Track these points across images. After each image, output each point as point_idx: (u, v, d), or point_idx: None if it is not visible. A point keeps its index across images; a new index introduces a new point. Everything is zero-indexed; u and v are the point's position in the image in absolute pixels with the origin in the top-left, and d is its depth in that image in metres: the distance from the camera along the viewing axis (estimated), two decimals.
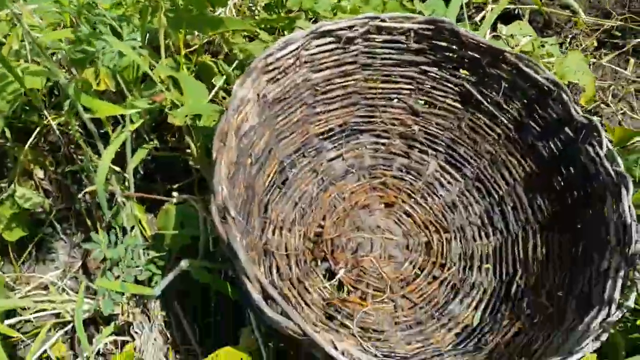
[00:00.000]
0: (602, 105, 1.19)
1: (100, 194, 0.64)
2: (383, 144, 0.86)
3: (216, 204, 0.51)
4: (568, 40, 1.27)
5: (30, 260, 0.83)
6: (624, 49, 1.24)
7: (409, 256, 0.75)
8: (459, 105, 0.84)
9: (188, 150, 0.78)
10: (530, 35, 1.22)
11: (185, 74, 0.72)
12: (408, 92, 0.84)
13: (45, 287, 0.77)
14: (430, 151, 0.85)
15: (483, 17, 1.23)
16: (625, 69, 1.20)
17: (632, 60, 1.20)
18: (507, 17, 1.29)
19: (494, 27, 1.28)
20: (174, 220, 0.68)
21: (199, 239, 0.67)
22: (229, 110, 0.57)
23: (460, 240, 0.77)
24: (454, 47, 0.80)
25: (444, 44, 0.80)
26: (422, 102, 0.85)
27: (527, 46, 1.17)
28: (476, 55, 0.79)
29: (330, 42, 0.74)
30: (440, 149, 0.85)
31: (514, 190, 0.80)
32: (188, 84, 0.68)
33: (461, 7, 1.25)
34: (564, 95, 0.75)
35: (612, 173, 0.70)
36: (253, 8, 1.09)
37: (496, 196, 0.81)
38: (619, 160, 0.71)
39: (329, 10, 1.08)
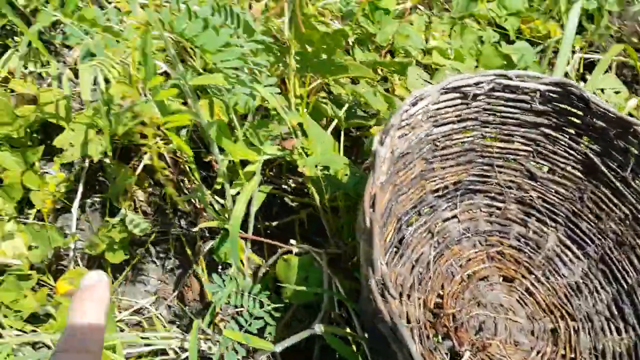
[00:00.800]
0: None
1: (233, 240, 0.59)
2: (498, 208, 0.80)
3: (375, 279, 0.46)
4: None
5: (121, 281, 0.79)
6: None
7: (536, 344, 0.69)
8: (580, 175, 0.78)
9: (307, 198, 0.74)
10: (619, 91, 1.17)
11: (312, 122, 0.66)
12: (526, 153, 0.78)
13: (138, 311, 0.73)
14: (549, 222, 0.79)
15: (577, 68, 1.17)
16: None
17: None
18: (588, 66, 1.23)
19: (582, 76, 1.23)
20: (297, 273, 0.63)
21: (321, 295, 0.63)
22: (375, 172, 0.52)
23: (589, 332, 0.70)
24: (581, 113, 0.74)
25: (570, 108, 0.74)
26: (542, 166, 0.79)
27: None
28: (603, 125, 0.73)
29: (455, 98, 0.69)
30: (560, 220, 0.79)
31: None
32: (314, 132, 0.63)
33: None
34: None
35: None
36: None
37: (624, 284, 0.74)
38: None
39: (419, 49, 1.03)
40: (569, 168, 0.77)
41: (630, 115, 1.00)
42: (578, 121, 0.75)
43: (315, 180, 0.66)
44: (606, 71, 1.23)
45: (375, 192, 0.51)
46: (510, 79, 0.71)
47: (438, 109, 0.68)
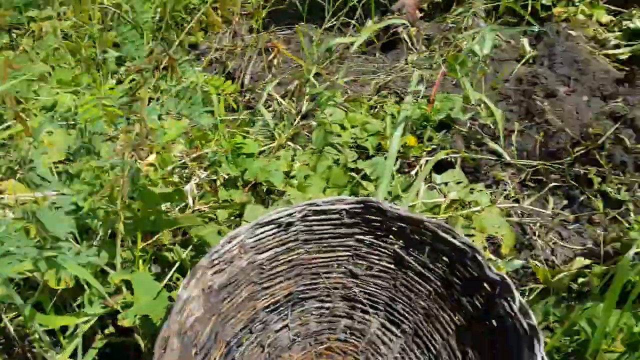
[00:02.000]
0: (535, 238, 1.32)
1: None
2: (327, 308, 0.95)
3: None
4: (496, 184, 1.43)
5: None
6: (543, 190, 1.40)
7: None
8: (392, 267, 0.95)
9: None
10: (461, 182, 1.39)
11: (138, 275, 0.83)
12: (347, 257, 0.96)
13: None
14: (371, 310, 0.95)
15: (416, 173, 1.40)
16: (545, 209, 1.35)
17: (551, 200, 1.36)
18: (440, 166, 1.47)
19: (431, 177, 1.46)
20: None
21: None
22: (171, 315, 0.67)
23: None
24: (381, 219, 0.93)
25: (372, 217, 0.93)
26: (361, 266, 0.97)
27: (460, 193, 1.32)
28: (401, 225, 0.93)
29: (272, 228, 0.87)
30: (380, 307, 0.95)
31: (448, 344, 0.89)
32: (139, 285, 0.79)
33: (396, 160, 1.44)
34: (478, 256, 0.87)
35: (526, 326, 0.80)
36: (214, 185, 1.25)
37: (434, 350, 0.89)
38: (531, 313, 0.81)
39: (281, 182, 1.24)
40: (383, 263, 0.95)
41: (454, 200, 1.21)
42: (382, 225, 0.94)
43: (139, 331, 0.80)
44: (452, 166, 1.47)
45: (168, 334, 0.65)
46: (319, 205, 0.91)
47: (258, 239, 0.86)
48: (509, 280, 0.85)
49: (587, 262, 1.05)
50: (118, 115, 0.70)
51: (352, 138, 1.51)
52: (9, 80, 0.81)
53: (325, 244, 0.94)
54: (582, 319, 0.83)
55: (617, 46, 1.95)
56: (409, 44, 1.96)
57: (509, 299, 0.84)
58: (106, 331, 0.85)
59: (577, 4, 2.10)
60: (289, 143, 1.47)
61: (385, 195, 1.12)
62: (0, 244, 0.59)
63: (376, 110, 1.66)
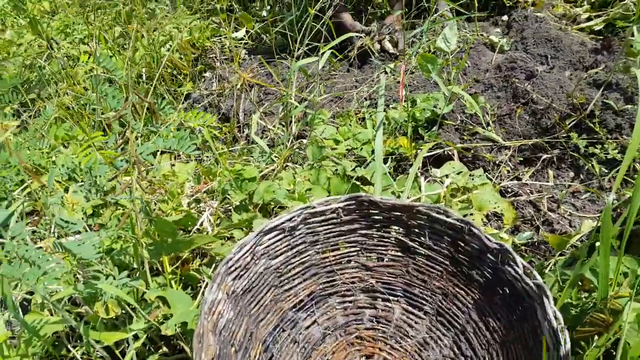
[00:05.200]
0: (550, 213, 1.33)
1: None
2: (350, 301, 0.98)
3: None
4: (496, 165, 1.46)
5: None
6: (539, 164, 1.42)
7: None
8: (400, 254, 0.98)
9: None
10: (461, 171, 1.42)
11: (171, 291, 0.88)
12: (355, 253, 0.99)
13: None
14: (391, 298, 0.97)
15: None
16: (547, 181, 1.37)
17: (550, 172, 1.38)
18: (440, 162, 1.50)
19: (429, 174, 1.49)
20: None
21: None
22: (201, 315, 0.71)
23: None
24: (377, 211, 0.97)
25: (368, 210, 0.97)
26: (371, 258, 1.00)
27: (461, 181, 1.35)
28: (396, 214, 0.96)
29: (278, 234, 0.91)
30: (399, 293, 0.98)
31: (470, 317, 0.90)
32: (174, 298, 0.84)
33: (394, 162, 1.47)
34: (474, 229, 0.90)
35: (532, 286, 0.82)
36: (227, 212, 1.31)
37: (458, 326, 0.91)
38: (536, 274, 0.83)
39: (285, 197, 1.29)
40: (391, 252, 0.98)
41: (456, 189, 1.23)
42: (379, 217, 0.97)
43: (182, 338, 0.84)
44: (450, 159, 1.50)
45: (202, 331, 0.70)
46: (314, 207, 0.95)
47: (267, 246, 0.90)
48: (507, 246, 0.87)
49: (594, 223, 1.06)
50: (115, 157, 0.76)
51: (347, 149, 1.56)
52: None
53: (332, 243, 0.98)
54: (586, 269, 0.84)
55: (589, 19, 2.00)
56: (383, 54, 2.03)
57: (512, 264, 0.86)
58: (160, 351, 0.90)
59: None
60: (288, 164, 1.52)
61: (380, 192, 1.16)
62: (37, 267, 0.64)
63: (364, 121, 1.71)
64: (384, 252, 0.98)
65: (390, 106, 1.68)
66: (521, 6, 2.11)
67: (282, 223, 0.92)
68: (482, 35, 2.00)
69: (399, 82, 1.79)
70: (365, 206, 0.96)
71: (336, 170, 1.44)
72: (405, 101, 1.62)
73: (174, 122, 1.25)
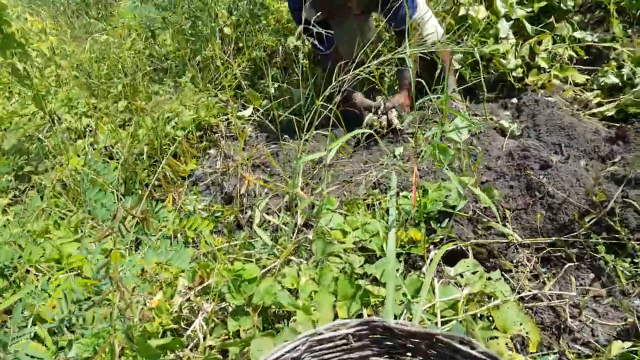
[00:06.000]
0: (570, 320, 1.23)
1: None
2: None
3: None
4: (513, 265, 1.37)
5: None
6: (564, 268, 1.33)
7: None
8: None
9: None
10: (476, 271, 1.33)
11: None
12: None
13: None
14: None
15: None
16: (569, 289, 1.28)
17: (573, 279, 1.29)
18: (452, 257, 1.42)
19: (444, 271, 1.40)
20: None
21: None
22: None
23: None
24: (392, 337, 0.87)
25: (380, 337, 0.87)
26: None
27: (477, 284, 1.25)
28: (414, 340, 0.86)
29: None
30: None
31: None
32: None
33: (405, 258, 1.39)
34: None
35: None
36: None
37: None
38: None
39: (288, 301, 1.19)
40: None
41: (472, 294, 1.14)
42: (394, 344, 0.88)
43: None
44: (464, 255, 1.42)
45: None
46: (321, 334, 0.86)
47: None
48: None
49: (627, 344, 0.96)
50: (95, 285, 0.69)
51: (354, 243, 1.48)
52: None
53: None
54: None
55: (599, 104, 1.97)
56: (392, 135, 2.00)
57: None
58: None
59: (548, 70, 2.16)
60: (292, 257, 1.43)
61: (393, 306, 1.06)
62: None
63: (374, 208, 1.64)
64: None
65: (401, 194, 1.61)
66: (531, 89, 2.09)
67: (284, 355, 0.82)
68: (491, 119, 1.97)
69: (407, 167, 1.74)
70: (378, 332, 0.87)
71: (343, 267, 1.35)
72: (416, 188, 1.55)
73: (169, 229, 1.18)
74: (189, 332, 1.19)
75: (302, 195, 1.57)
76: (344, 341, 0.87)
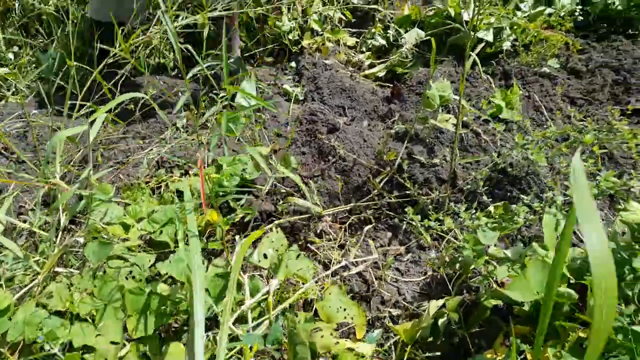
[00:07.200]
0: (376, 285, 1.23)
1: None
2: None
3: None
4: (317, 236, 1.31)
5: None
6: (362, 235, 1.33)
7: None
8: None
9: None
10: (282, 244, 1.23)
11: None
12: None
13: None
14: None
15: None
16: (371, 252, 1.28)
17: (371, 242, 1.29)
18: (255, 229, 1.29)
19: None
20: None
21: None
22: None
23: None
24: None
25: None
26: None
27: (286, 272, 1.14)
28: None
29: None
30: None
31: None
32: None
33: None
34: None
35: None
36: None
37: None
38: None
39: (58, 343, 0.91)
40: None
41: None
42: None
43: None
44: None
45: None
46: None
47: None
48: None
49: (440, 302, 0.98)
50: None
51: (140, 237, 1.23)
52: None
53: None
54: None
55: (372, 65, 2.06)
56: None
57: None
58: None
59: (321, 33, 2.16)
60: (59, 269, 1.11)
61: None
62: None
63: (160, 192, 1.40)
64: None
65: (191, 172, 1.40)
66: (307, 52, 2.06)
67: None
68: (274, 84, 1.88)
69: (194, 139, 1.53)
70: None
71: (131, 272, 1.09)
72: (208, 166, 1.37)
73: None
74: None
75: (62, 186, 1.23)
76: None
